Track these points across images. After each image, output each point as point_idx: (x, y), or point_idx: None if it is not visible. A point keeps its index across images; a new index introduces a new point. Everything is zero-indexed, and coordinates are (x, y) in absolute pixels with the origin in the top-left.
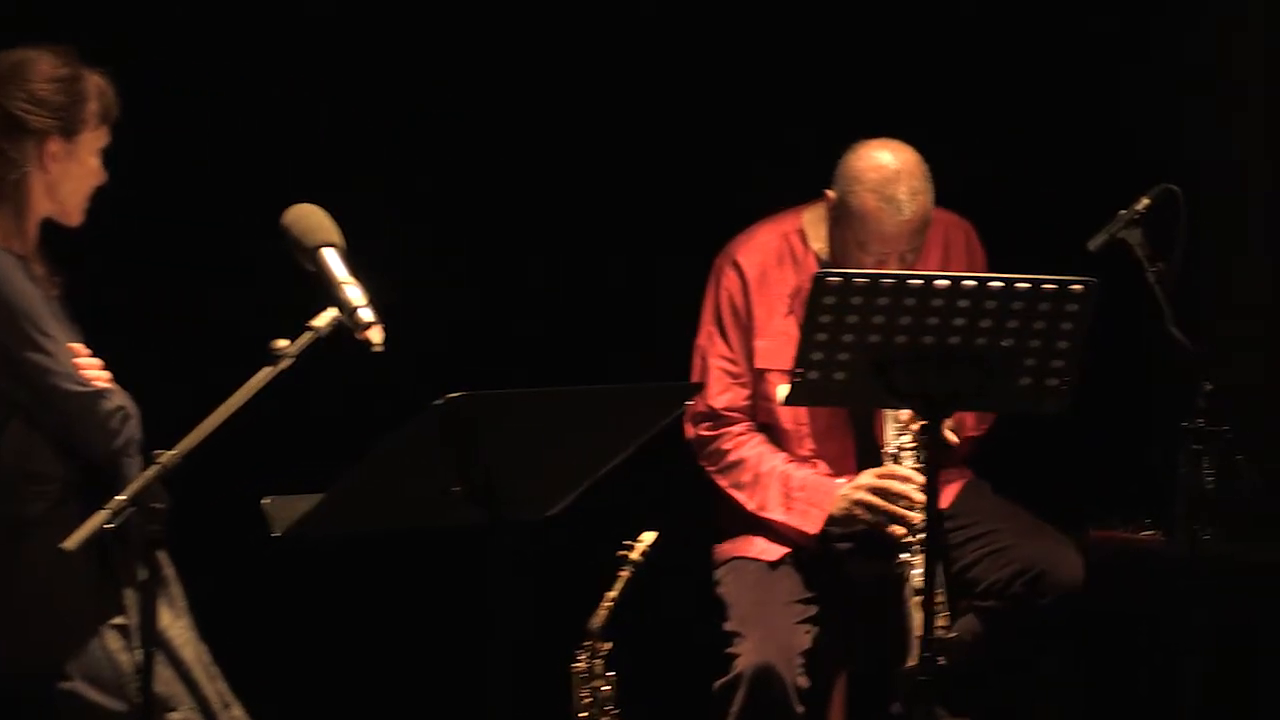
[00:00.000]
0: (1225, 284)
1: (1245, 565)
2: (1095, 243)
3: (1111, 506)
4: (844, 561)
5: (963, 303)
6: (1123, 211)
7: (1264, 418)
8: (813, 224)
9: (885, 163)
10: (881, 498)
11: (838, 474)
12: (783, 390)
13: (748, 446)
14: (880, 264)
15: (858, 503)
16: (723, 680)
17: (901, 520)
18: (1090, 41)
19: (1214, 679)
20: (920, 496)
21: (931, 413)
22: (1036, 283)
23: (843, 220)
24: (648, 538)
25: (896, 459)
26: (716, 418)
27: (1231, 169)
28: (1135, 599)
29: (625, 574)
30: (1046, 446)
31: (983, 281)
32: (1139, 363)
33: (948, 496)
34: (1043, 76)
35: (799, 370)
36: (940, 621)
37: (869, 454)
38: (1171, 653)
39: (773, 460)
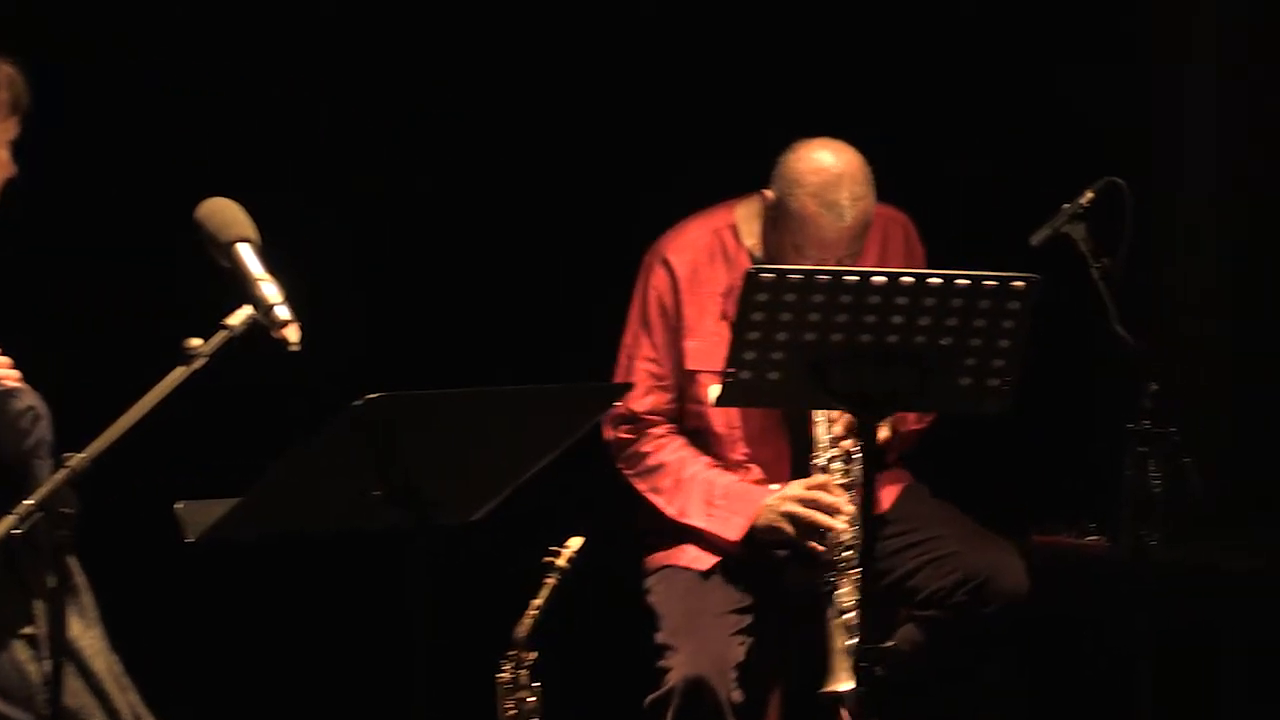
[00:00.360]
0: (1172, 281)
1: (1192, 570)
2: (1037, 238)
3: (1055, 510)
4: (781, 570)
5: (901, 300)
6: (1066, 205)
7: (1212, 418)
8: (745, 219)
9: (827, 165)
10: (808, 509)
11: (772, 479)
12: (714, 390)
13: (668, 450)
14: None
15: (783, 514)
16: (654, 695)
17: (824, 536)
18: (1037, 30)
19: (1159, 685)
20: (849, 509)
21: (869, 413)
22: (977, 280)
23: (780, 223)
24: (575, 543)
25: (826, 471)
26: (637, 420)
27: (1179, 164)
28: (1079, 605)
29: (551, 581)
30: (988, 449)
31: (921, 279)
32: (1083, 362)
33: (885, 501)
34: (986, 64)
35: (731, 370)
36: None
37: (804, 458)
38: (1117, 659)
39: (695, 465)
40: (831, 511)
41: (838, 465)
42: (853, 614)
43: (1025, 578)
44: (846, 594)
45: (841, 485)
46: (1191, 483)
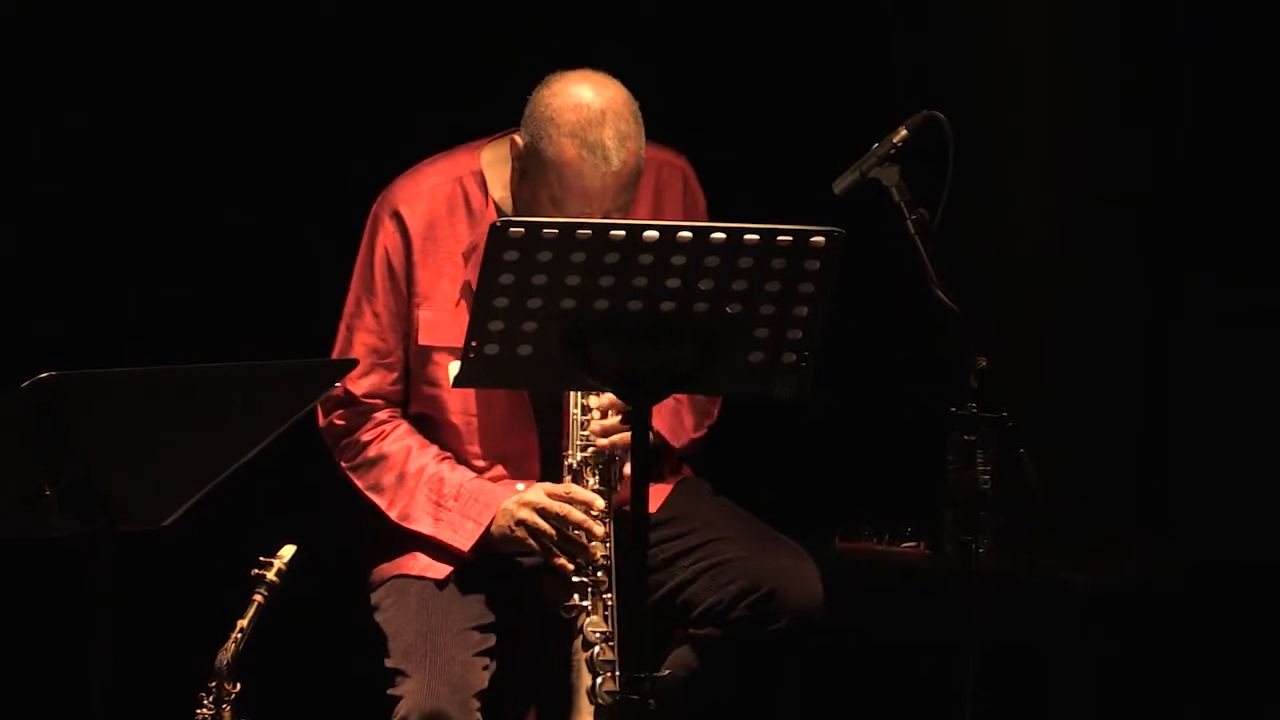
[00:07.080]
0: (1004, 236)
1: (1027, 583)
2: (841, 184)
3: (862, 512)
4: (530, 580)
5: (677, 259)
6: (876, 145)
7: (1052, 402)
8: (494, 165)
9: (587, 101)
10: (552, 523)
11: (519, 478)
12: (454, 368)
13: (391, 439)
14: None
15: (521, 523)
16: None
17: (572, 554)
18: None
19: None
20: (599, 530)
21: (639, 396)
22: (769, 234)
23: (534, 172)
24: (287, 552)
25: (578, 476)
26: (355, 404)
27: (1007, 96)
28: (891, 624)
29: (259, 598)
30: (782, 437)
31: (702, 233)
32: (897, 334)
33: (655, 499)
34: None
35: (474, 344)
36: (608, 685)
37: (557, 453)
38: (936, 688)
39: (422, 457)
40: (580, 526)
41: (592, 467)
42: (600, 648)
43: (818, 587)
44: (595, 623)
45: (597, 490)
46: (1027, 478)
